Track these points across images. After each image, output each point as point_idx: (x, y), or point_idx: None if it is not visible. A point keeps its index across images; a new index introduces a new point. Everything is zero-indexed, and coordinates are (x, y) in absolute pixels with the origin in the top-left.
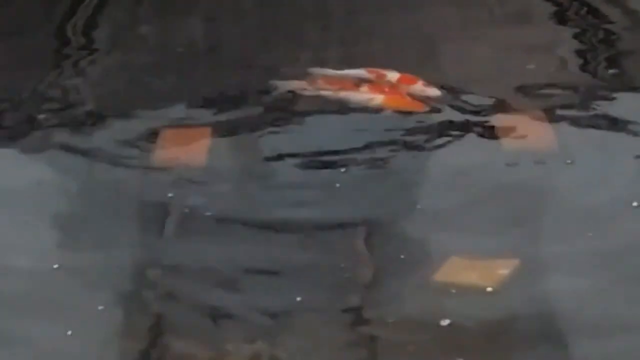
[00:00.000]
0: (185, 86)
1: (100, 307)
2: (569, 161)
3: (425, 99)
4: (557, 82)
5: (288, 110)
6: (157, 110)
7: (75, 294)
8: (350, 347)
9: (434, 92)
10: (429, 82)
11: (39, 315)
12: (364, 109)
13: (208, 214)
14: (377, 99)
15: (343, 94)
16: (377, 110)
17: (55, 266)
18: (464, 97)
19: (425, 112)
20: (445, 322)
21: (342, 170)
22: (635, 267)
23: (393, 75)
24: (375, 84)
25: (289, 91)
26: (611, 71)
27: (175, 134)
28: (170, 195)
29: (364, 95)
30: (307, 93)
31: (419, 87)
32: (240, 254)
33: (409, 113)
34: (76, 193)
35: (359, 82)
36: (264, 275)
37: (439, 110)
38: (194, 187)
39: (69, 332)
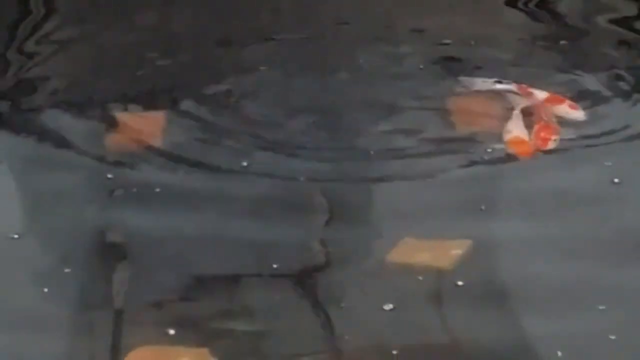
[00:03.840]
0: (141, 70)
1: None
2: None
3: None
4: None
5: None
6: (111, 94)
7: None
8: None
9: (579, 115)
10: (575, 103)
11: None
12: None
13: (157, 190)
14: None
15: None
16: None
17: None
18: None
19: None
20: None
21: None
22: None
23: (541, 95)
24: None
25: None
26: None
27: (129, 118)
28: (109, 176)
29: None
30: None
31: (564, 108)
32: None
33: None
34: (28, 173)
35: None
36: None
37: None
38: (145, 167)
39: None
